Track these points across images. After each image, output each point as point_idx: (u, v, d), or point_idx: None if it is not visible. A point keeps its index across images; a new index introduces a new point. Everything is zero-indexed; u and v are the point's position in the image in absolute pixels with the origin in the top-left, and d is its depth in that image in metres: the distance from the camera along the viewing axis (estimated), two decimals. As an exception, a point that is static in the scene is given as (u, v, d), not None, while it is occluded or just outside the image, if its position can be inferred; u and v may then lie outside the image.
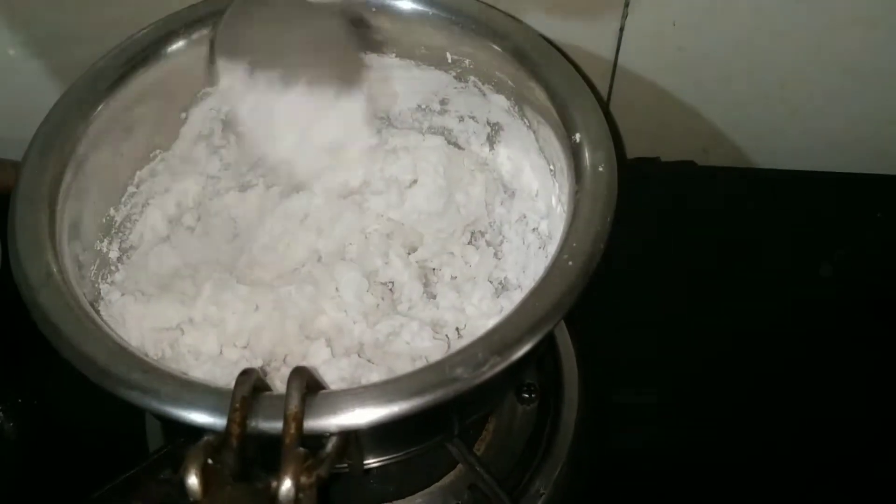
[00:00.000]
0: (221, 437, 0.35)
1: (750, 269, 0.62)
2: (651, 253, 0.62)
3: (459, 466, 0.53)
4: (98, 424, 0.55)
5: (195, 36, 0.51)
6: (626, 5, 0.57)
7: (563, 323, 0.57)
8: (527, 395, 0.57)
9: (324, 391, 0.37)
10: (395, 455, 0.47)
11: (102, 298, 0.48)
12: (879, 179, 0.68)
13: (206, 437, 0.34)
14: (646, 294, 0.61)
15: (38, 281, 0.40)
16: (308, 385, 0.36)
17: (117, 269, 0.51)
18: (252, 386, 0.36)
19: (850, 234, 0.64)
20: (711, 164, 0.70)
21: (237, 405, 0.35)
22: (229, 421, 0.35)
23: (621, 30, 0.59)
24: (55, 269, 0.41)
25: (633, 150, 0.70)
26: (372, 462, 0.46)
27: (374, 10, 0.52)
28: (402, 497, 0.53)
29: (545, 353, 0.58)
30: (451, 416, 0.47)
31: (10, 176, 0.45)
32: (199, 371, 0.48)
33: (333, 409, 0.36)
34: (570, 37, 0.59)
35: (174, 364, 0.48)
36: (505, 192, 0.57)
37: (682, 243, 0.63)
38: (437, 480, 0.54)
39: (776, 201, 0.66)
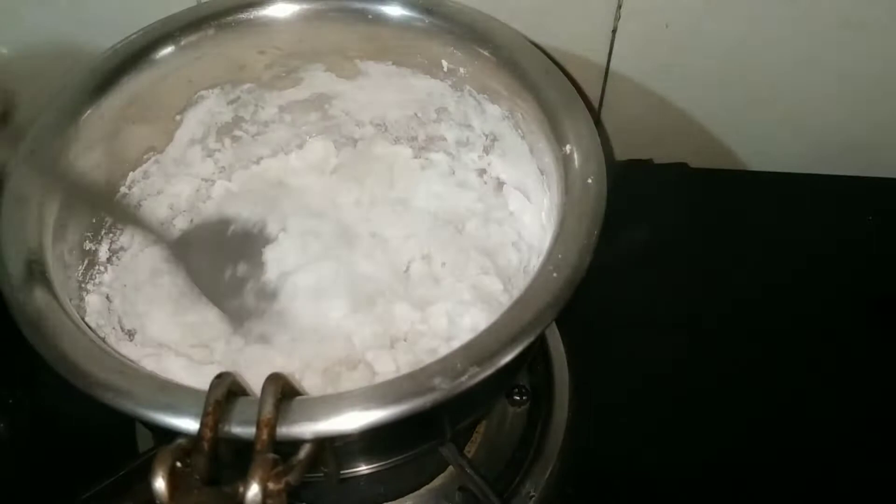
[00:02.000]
0: (193, 440, 0.34)
1: (742, 271, 0.62)
2: (643, 255, 0.61)
3: (450, 468, 0.53)
4: (89, 425, 0.55)
5: (188, 40, 0.51)
6: (619, 7, 0.57)
7: (554, 325, 0.58)
8: (518, 398, 0.57)
9: (299, 397, 0.36)
10: (384, 462, 0.46)
11: (85, 300, 0.48)
12: (870, 182, 0.68)
13: (177, 441, 0.34)
14: (637, 296, 0.60)
15: (20, 279, 0.40)
16: (284, 391, 0.36)
17: (105, 271, 0.51)
18: (226, 390, 0.36)
19: (841, 237, 0.64)
20: (704, 167, 0.69)
21: (210, 409, 0.34)
22: (201, 425, 0.34)
23: (614, 32, 0.60)
24: (38, 269, 0.41)
25: (626, 152, 0.70)
26: (362, 469, 0.46)
27: (370, 17, 0.52)
28: (393, 499, 0.53)
29: (536, 356, 0.57)
30: (439, 423, 0.46)
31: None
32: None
33: (307, 416, 0.35)
34: (562, 39, 0.59)
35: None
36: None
37: (675, 245, 0.63)
38: (428, 482, 0.54)
39: (768, 203, 0.66)
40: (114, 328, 0.49)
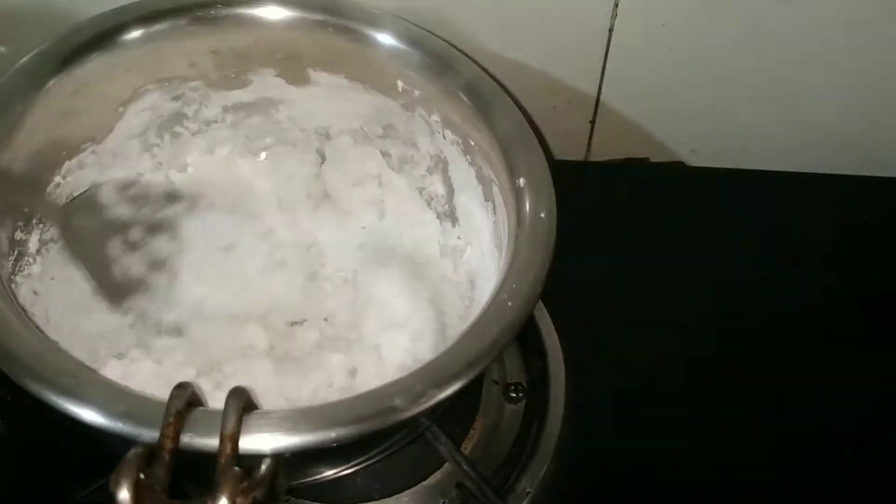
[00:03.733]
0: (150, 450, 0.34)
1: (738, 270, 0.63)
2: (640, 253, 0.62)
3: (447, 465, 0.53)
4: (88, 424, 0.52)
5: (145, 31, 0.50)
6: (616, 6, 0.57)
7: (550, 323, 0.58)
8: (514, 395, 0.57)
9: (259, 411, 0.37)
10: (365, 458, 0.47)
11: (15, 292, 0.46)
12: (866, 181, 0.68)
13: (135, 449, 0.33)
14: (634, 294, 0.61)
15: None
16: (245, 405, 0.36)
17: (35, 262, 0.49)
18: (187, 400, 0.35)
19: (836, 236, 0.65)
20: (700, 165, 0.70)
21: (171, 419, 0.34)
22: (162, 435, 0.34)
23: (611, 30, 0.60)
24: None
25: (623, 151, 0.70)
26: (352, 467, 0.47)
27: (330, 29, 0.53)
28: (390, 495, 0.53)
29: (533, 354, 0.58)
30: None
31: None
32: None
33: (269, 430, 0.35)
34: (559, 38, 0.59)
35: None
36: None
37: (671, 244, 0.63)
38: (425, 479, 0.54)
39: (764, 202, 0.67)
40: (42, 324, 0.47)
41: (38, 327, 0.40)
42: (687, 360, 0.58)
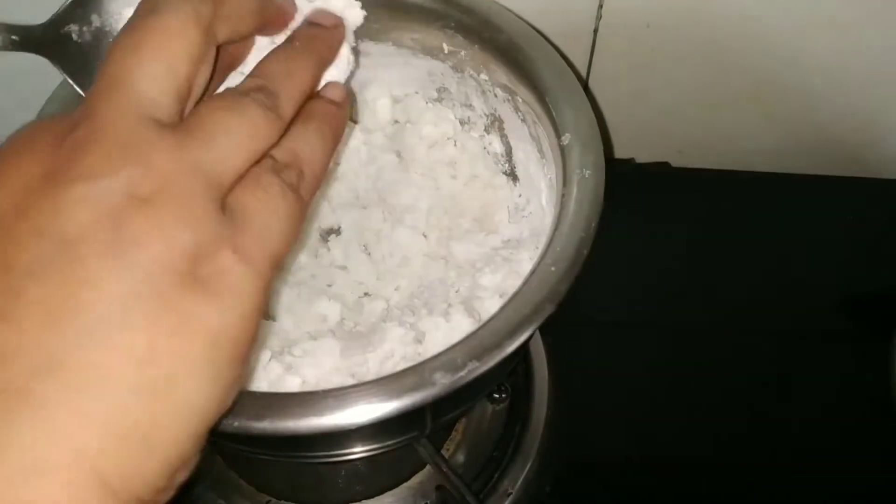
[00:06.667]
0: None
1: (723, 271, 0.63)
2: (624, 254, 0.62)
3: (428, 467, 0.54)
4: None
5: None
6: (601, 7, 0.57)
7: None
8: (497, 395, 0.57)
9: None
10: (366, 449, 0.47)
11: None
12: (851, 182, 0.68)
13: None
14: (618, 295, 0.61)
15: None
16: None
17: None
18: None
19: (822, 237, 0.65)
20: (686, 166, 0.70)
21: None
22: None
23: (595, 31, 0.60)
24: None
25: (608, 151, 0.70)
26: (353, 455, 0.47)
27: (366, -1, 0.52)
28: (371, 497, 0.54)
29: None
30: (425, 416, 0.47)
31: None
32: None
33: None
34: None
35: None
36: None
37: (656, 244, 0.64)
38: (406, 480, 0.54)
39: (749, 203, 0.67)
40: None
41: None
42: (672, 362, 0.59)
